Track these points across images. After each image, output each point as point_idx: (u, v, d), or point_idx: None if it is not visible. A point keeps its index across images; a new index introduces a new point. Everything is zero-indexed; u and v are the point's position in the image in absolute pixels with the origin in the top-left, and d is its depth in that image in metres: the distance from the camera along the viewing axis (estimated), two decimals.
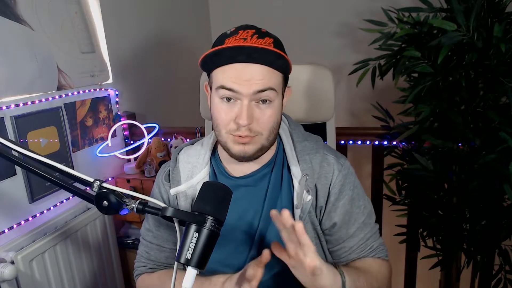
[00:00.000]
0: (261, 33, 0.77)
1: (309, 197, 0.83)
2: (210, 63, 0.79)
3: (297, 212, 0.84)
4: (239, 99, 0.77)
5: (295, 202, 0.84)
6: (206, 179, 0.89)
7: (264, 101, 0.77)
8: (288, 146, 0.88)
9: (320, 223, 0.87)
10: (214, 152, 0.92)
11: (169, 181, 0.91)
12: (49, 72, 1.40)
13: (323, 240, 0.89)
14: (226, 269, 0.86)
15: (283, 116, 0.94)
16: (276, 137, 0.85)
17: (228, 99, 0.77)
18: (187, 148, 0.94)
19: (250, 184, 0.87)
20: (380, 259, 0.90)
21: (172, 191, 0.88)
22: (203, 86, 1.19)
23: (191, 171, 0.89)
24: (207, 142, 0.92)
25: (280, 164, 0.89)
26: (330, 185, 0.85)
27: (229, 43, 0.75)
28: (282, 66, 0.78)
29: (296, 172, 0.85)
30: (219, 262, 0.87)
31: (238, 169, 0.88)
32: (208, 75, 0.84)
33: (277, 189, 0.87)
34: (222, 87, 0.77)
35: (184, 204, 0.88)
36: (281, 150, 0.90)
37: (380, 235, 0.94)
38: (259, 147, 0.80)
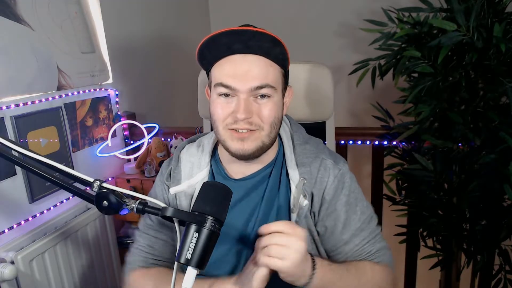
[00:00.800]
0: (258, 28, 0.77)
1: (306, 202, 0.82)
2: (207, 54, 0.78)
3: (293, 216, 0.83)
4: (236, 95, 0.77)
5: (292, 205, 0.84)
6: (206, 180, 0.88)
7: (262, 96, 0.77)
8: (288, 148, 0.87)
9: (315, 229, 0.87)
10: (214, 152, 0.92)
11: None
12: (49, 72, 1.40)
13: (320, 246, 0.87)
14: (221, 268, 0.86)
15: (285, 117, 0.93)
16: (277, 135, 0.85)
17: (226, 95, 0.78)
18: (189, 146, 0.94)
19: (249, 186, 0.87)
20: (379, 265, 0.84)
21: (172, 190, 0.88)
22: (200, 85, 1.19)
23: (191, 170, 0.89)
24: (208, 142, 0.92)
25: (279, 166, 0.88)
26: (324, 190, 0.84)
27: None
28: (280, 56, 0.78)
29: (294, 175, 0.84)
30: (214, 261, 0.86)
31: (238, 170, 0.88)
32: (208, 75, 0.84)
33: (274, 192, 0.86)
34: (220, 84, 0.77)
35: (185, 203, 0.88)
36: (281, 152, 0.89)
37: None
38: (259, 144, 0.79)
